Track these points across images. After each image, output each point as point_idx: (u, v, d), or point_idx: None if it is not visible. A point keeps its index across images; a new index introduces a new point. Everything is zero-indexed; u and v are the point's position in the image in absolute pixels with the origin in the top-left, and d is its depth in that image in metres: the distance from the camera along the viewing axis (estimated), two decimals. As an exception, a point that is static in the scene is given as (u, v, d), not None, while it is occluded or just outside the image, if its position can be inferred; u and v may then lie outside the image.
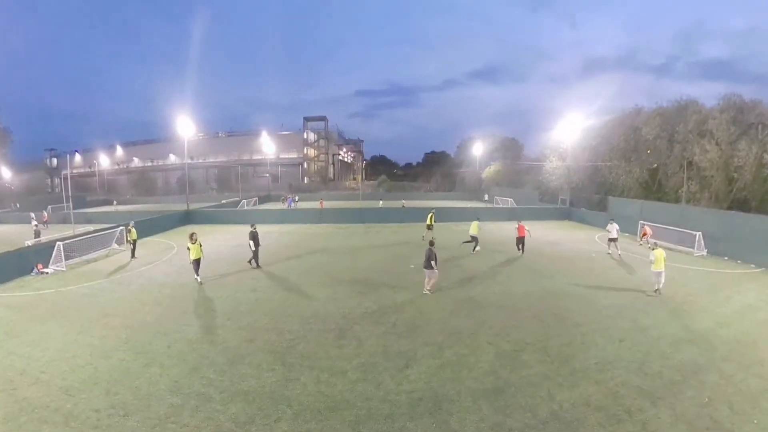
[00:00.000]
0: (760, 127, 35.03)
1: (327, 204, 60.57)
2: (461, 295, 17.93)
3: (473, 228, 27.11)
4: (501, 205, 53.23)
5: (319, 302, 17.22)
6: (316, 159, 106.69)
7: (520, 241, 25.41)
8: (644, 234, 28.87)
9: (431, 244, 18.19)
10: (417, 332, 14.39)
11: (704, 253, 25.90)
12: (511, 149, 74.85)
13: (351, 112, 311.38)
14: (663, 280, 17.92)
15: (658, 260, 17.72)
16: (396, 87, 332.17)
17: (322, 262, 23.77)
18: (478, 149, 75.58)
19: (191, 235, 20.46)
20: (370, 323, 15.16)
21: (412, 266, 22.21)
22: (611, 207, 37.97)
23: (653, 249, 18.24)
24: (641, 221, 31.14)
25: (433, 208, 36.35)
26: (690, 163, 39.13)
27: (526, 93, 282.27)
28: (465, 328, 14.67)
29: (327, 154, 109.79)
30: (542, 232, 33.17)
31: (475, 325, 14.95)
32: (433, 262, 17.59)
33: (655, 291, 17.95)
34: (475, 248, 26.39)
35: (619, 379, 11.71)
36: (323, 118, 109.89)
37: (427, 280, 18.01)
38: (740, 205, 36.53)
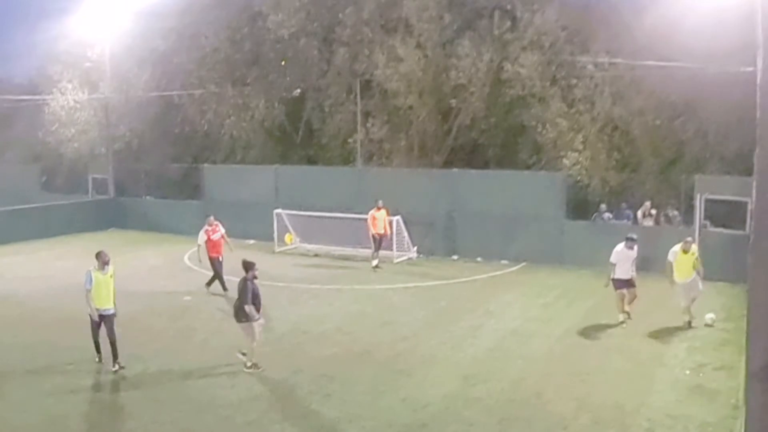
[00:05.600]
0: (497, 14, 19.56)
1: None
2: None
3: None
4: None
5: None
6: None
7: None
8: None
9: (248, 268, 9.18)
10: None
11: (414, 253, 17.32)
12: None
13: None
14: None
15: None
16: None
17: None
18: None
19: (100, 255, 9.61)
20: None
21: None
22: (208, 185, 21.34)
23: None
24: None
25: None
26: (368, 84, 21.10)
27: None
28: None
29: None
30: (50, 264, 17.11)
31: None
32: (249, 308, 8.98)
33: None
34: None
35: None
36: None
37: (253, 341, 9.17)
38: (468, 157, 21.07)
